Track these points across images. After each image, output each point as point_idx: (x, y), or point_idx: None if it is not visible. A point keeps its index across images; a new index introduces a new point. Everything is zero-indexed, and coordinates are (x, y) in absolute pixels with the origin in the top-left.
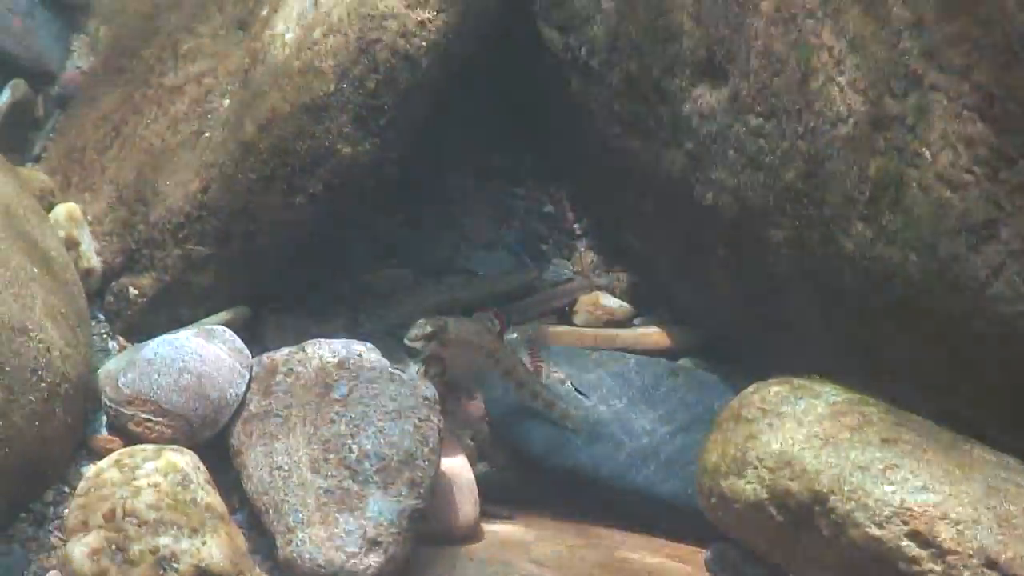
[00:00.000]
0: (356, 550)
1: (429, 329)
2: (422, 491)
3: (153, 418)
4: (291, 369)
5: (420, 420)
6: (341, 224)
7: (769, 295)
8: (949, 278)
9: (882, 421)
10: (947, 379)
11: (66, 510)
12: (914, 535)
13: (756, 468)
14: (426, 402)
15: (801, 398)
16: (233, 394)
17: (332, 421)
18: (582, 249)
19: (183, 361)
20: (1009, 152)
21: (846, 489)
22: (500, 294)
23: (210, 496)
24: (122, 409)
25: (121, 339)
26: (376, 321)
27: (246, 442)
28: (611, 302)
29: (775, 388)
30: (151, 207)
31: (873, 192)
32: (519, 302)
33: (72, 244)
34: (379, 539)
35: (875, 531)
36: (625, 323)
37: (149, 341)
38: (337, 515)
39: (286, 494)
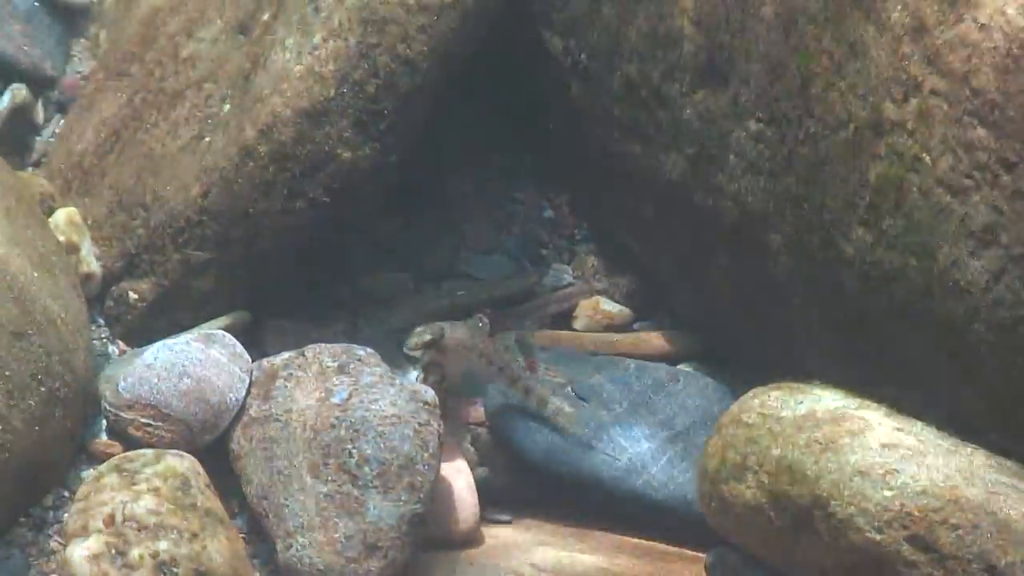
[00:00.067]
0: (356, 555)
1: (428, 336)
2: (422, 496)
3: (153, 423)
4: (291, 374)
5: (420, 425)
6: (341, 229)
7: (769, 300)
8: (949, 283)
9: (882, 426)
10: (948, 384)
11: (66, 514)
12: (914, 539)
13: (756, 472)
14: (426, 407)
15: (801, 402)
16: (233, 399)
17: (332, 426)
18: (582, 254)
19: (183, 366)
20: (1009, 157)
21: (846, 493)
22: (500, 299)
23: (210, 501)
24: (122, 414)
25: (121, 344)
26: (376, 326)
27: (246, 447)
28: (611, 307)
29: (775, 393)
30: (151, 212)
31: (873, 197)
32: (519, 307)
33: (72, 249)
34: (379, 544)
35: (875, 535)
36: (625, 328)
37: (149, 346)
38: (337, 520)
39: (286, 498)
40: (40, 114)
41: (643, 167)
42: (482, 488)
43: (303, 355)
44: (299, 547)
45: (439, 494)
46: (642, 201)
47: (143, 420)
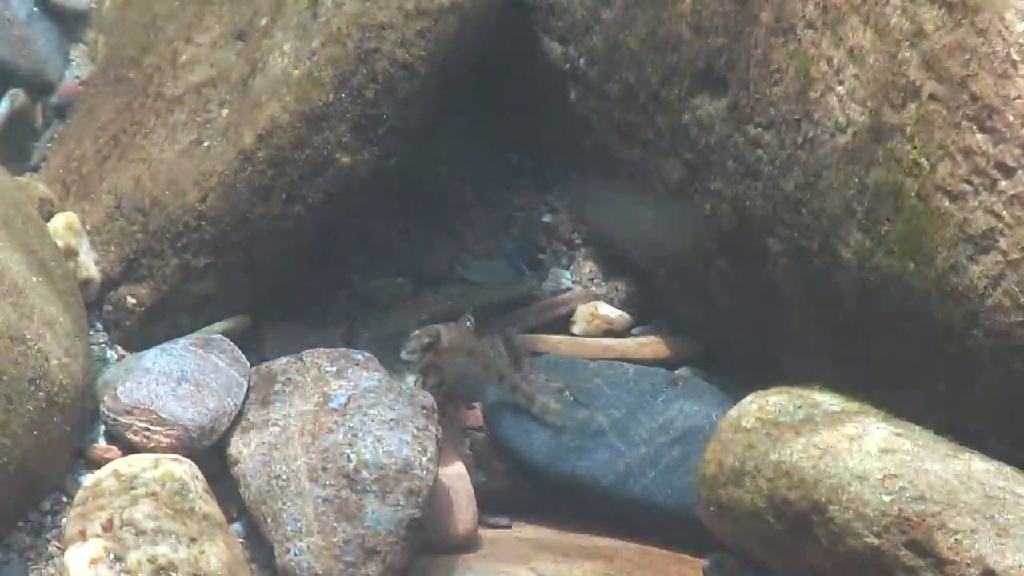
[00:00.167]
0: (354, 559)
1: (426, 340)
2: (420, 500)
3: (151, 427)
4: (289, 378)
5: (418, 429)
6: (339, 233)
7: (768, 305)
8: (948, 288)
9: (881, 430)
10: (946, 389)
11: (64, 519)
12: (912, 544)
13: (754, 477)
14: (424, 411)
15: (799, 407)
16: (231, 403)
17: (330, 430)
18: (580, 258)
19: (181, 370)
20: (1007, 162)
21: (844, 498)
22: (498, 304)
23: (208, 505)
24: (120, 418)
25: (119, 348)
26: (374, 330)
27: (244, 451)
28: (610, 311)
29: (773, 398)
30: (150, 217)
31: (872, 202)
32: (517, 311)
33: (71, 254)
34: (377, 548)
35: (873, 540)
36: (624, 333)
37: (147, 350)
38: (335, 524)
39: (284, 503)
40: (39, 119)
41: (642, 172)
42: (480, 492)
43: (301, 360)
44: (297, 552)
45: (437, 498)
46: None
47: (141, 425)
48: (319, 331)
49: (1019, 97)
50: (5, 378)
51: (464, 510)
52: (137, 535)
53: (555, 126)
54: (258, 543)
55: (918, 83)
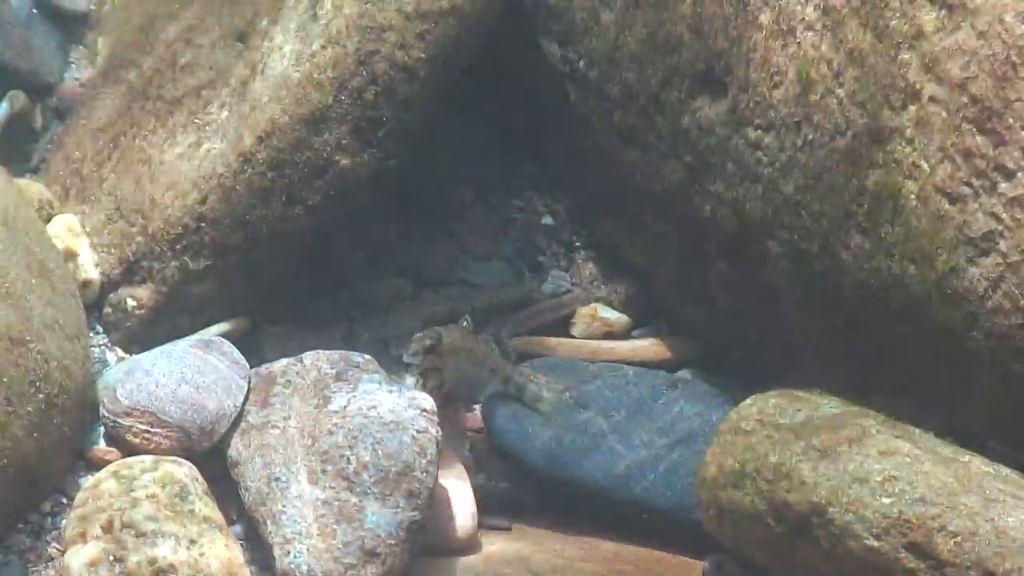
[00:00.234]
0: (354, 561)
1: (428, 342)
2: (420, 502)
3: (151, 429)
4: (289, 380)
5: (418, 431)
6: (339, 235)
7: (767, 307)
8: (947, 290)
9: (880, 433)
10: (946, 391)
11: (64, 521)
12: (912, 546)
13: (754, 479)
14: (424, 413)
15: (799, 410)
16: (231, 405)
17: (330, 432)
18: (580, 261)
19: (181, 372)
20: (1007, 164)
21: (844, 500)
22: (498, 305)
23: (208, 507)
24: (120, 420)
25: (119, 350)
26: (374, 332)
27: (244, 453)
28: (609, 314)
29: (773, 400)
30: (149, 219)
31: (871, 204)
32: (517, 314)
33: (70, 255)
34: (377, 550)
35: (873, 542)
36: (623, 335)
37: (147, 352)
38: (335, 526)
39: (284, 505)
40: (38, 121)
41: (642, 174)
42: (480, 494)
43: (301, 362)
44: (297, 554)
45: (437, 501)
46: (641, 208)
47: (141, 426)
48: (319, 333)
49: (1019, 99)
50: (5, 380)
51: (464, 512)
52: (137, 537)
53: (555, 128)
54: (258, 545)
55: (918, 85)
